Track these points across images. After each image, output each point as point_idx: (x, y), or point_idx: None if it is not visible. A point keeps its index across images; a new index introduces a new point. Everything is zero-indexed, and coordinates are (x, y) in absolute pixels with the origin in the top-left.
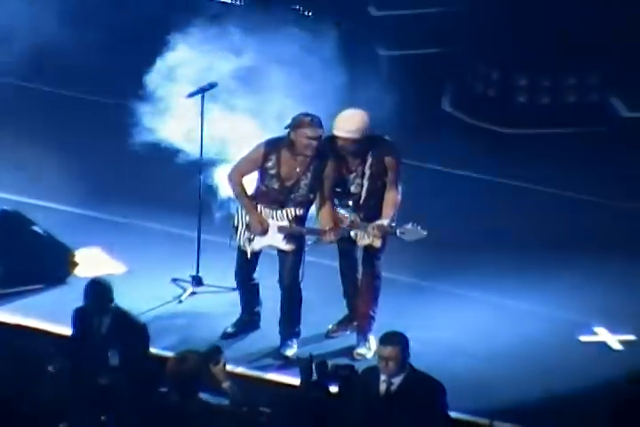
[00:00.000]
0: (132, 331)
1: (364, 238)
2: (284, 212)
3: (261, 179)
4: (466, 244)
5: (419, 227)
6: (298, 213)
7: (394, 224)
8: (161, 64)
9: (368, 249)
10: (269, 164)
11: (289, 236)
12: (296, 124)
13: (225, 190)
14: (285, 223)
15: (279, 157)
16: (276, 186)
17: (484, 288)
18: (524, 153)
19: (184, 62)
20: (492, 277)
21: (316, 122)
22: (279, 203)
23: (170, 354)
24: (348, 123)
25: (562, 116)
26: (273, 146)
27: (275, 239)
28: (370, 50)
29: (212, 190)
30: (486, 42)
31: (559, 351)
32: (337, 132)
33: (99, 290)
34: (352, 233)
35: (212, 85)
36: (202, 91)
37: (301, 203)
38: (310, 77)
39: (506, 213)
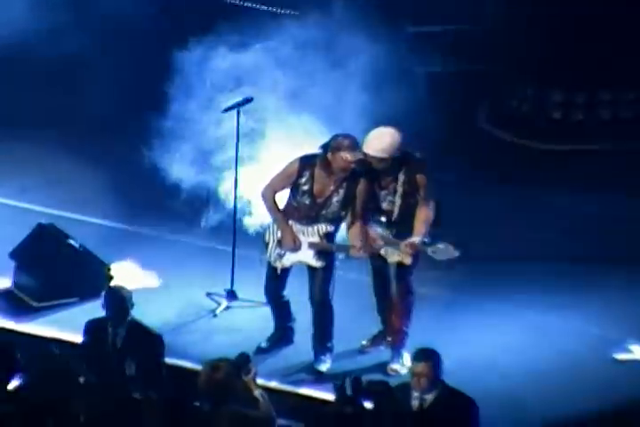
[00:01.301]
0: (148, 342)
1: (394, 255)
2: (315, 228)
3: (293, 195)
4: (501, 259)
5: (451, 246)
6: (329, 229)
7: (426, 241)
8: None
9: (400, 265)
10: (302, 180)
11: (319, 252)
12: (335, 147)
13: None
14: (316, 239)
15: (312, 174)
16: (307, 202)
17: (518, 304)
18: (558, 168)
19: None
20: (526, 293)
21: (355, 145)
22: (310, 219)
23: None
24: (378, 142)
25: (596, 132)
26: (307, 162)
27: (305, 256)
28: (406, 66)
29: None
30: (521, 58)
31: (594, 369)
32: (367, 150)
33: (119, 299)
34: (382, 250)
35: (247, 100)
36: (237, 105)
37: (332, 219)
38: (346, 93)
39: (542, 228)
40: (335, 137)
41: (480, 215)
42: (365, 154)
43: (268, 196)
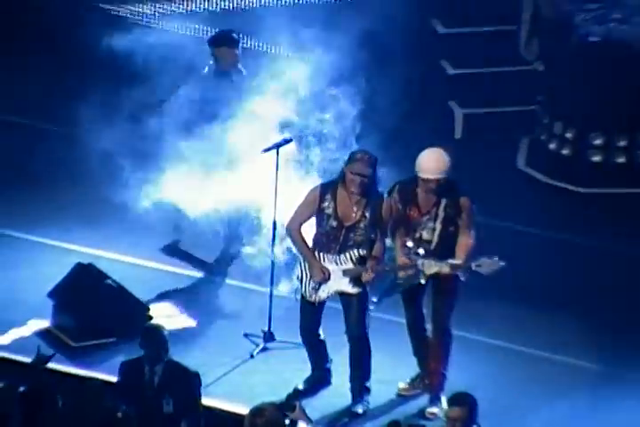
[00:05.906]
0: (185, 379)
1: (432, 267)
2: (348, 255)
3: (319, 223)
4: (541, 304)
5: (495, 257)
6: (361, 253)
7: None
8: None
9: (436, 302)
10: (325, 204)
11: (355, 279)
12: (348, 159)
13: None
14: (350, 266)
15: (335, 196)
16: (334, 224)
17: (555, 349)
18: (598, 212)
19: None
20: (564, 338)
21: (366, 160)
22: (339, 245)
23: (238, 409)
24: (435, 163)
25: (637, 176)
26: (327, 186)
27: (341, 284)
28: (446, 107)
29: None
30: (562, 100)
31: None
32: (425, 175)
33: (158, 338)
34: (419, 262)
35: (286, 141)
36: (277, 146)
37: (362, 243)
38: (383, 130)
39: (581, 271)
40: (353, 151)
41: (521, 260)
42: (422, 178)
43: (294, 228)
